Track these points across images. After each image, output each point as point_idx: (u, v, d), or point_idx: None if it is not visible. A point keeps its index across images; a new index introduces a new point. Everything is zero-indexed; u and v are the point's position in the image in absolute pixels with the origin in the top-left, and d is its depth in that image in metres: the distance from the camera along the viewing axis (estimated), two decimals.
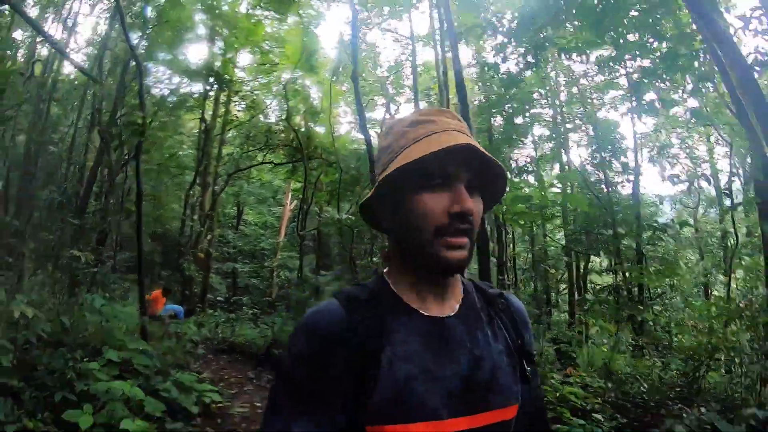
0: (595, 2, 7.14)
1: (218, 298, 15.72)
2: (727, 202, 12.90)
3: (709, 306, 6.32)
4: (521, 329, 1.05)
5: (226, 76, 14.40)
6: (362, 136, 11.22)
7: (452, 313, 0.95)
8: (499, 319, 1.03)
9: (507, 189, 1.01)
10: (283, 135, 15.58)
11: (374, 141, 9.21)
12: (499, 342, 0.99)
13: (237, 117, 16.43)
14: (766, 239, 7.00)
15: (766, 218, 6.80)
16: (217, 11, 13.28)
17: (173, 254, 14.07)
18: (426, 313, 0.93)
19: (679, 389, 5.51)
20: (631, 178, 12.25)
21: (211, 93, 15.29)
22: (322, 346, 0.85)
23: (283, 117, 15.28)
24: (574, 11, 7.45)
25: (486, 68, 9.22)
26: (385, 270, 1.01)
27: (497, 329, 1.02)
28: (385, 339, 0.88)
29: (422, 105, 15.21)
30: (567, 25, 8.04)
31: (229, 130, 16.39)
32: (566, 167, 15.61)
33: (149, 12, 11.98)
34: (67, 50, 12.13)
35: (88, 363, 4.13)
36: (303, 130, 15.63)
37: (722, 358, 5.88)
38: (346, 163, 14.73)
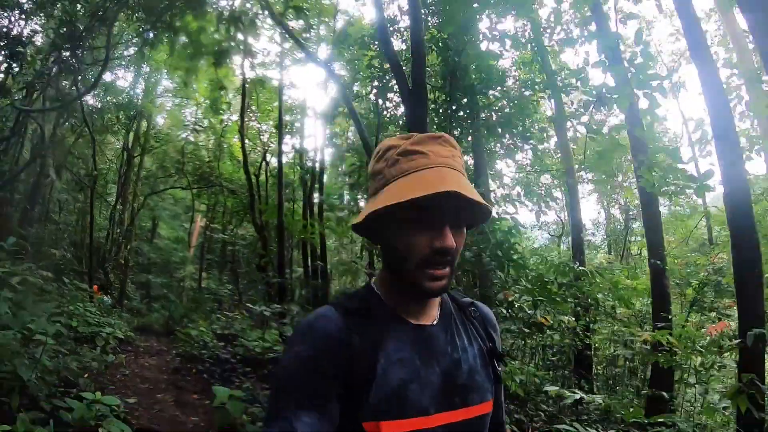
0: None
1: (134, 303, 19.23)
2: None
3: None
4: (491, 333, 1.24)
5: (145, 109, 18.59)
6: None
7: (434, 322, 1.13)
8: (472, 325, 1.22)
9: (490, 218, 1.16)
10: (191, 165, 19.90)
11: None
12: (474, 346, 1.17)
13: (154, 145, 20.41)
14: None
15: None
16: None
17: (95, 261, 17.77)
18: (413, 322, 1.09)
19: None
20: None
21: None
22: (321, 348, 0.98)
23: (191, 150, 19.74)
24: None
25: None
26: (373, 281, 1.18)
27: (471, 335, 1.20)
28: (379, 347, 1.02)
29: None
30: None
31: (147, 153, 20.38)
32: None
33: None
34: None
35: None
36: (209, 159, 20.08)
37: None
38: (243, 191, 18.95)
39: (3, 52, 9.96)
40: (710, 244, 13.55)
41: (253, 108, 19.52)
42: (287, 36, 12.61)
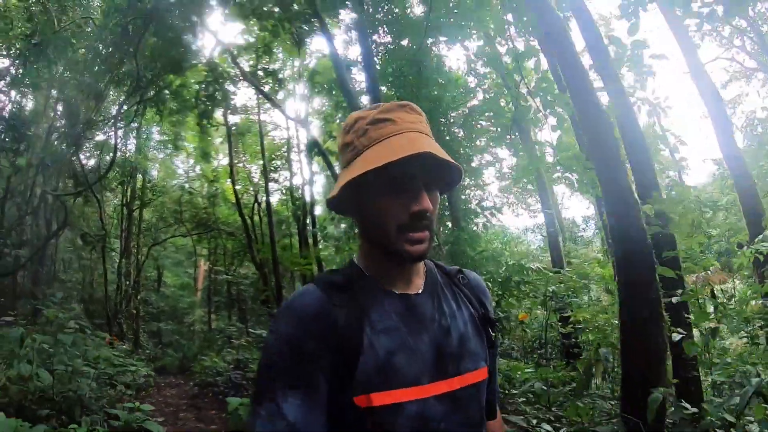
0: None
1: (147, 351, 20.45)
2: None
3: None
4: (482, 299, 1.27)
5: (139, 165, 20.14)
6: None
7: (420, 291, 1.14)
8: (461, 291, 1.24)
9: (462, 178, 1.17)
10: (188, 213, 21.39)
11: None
12: (464, 312, 1.19)
13: (151, 198, 21.68)
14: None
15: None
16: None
17: (104, 314, 19.09)
18: (398, 292, 1.11)
19: None
20: None
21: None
22: (303, 326, 1.00)
23: (187, 199, 21.27)
24: None
25: None
26: (355, 256, 1.20)
27: (461, 302, 1.22)
28: (364, 319, 1.04)
29: None
30: None
31: (146, 206, 21.84)
32: None
33: None
34: None
35: None
36: (205, 206, 21.58)
37: None
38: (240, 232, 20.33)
39: (10, 134, 11.58)
40: None
41: (241, 152, 21.11)
42: (260, 94, 14.15)
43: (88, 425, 4.87)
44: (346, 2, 9.83)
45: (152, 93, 13.33)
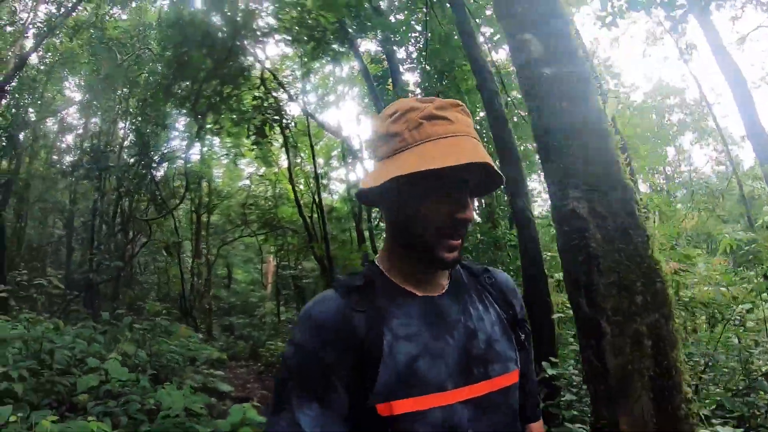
0: None
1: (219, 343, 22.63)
2: None
3: None
4: (511, 299, 1.25)
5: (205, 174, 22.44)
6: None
7: (443, 292, 1.13)
8: (487, 292, 1.22)
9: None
10: (253, 214, 23.44)
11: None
12: (491, 314, 1.17)
13: (217, 204, 23.47)
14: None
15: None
16: None
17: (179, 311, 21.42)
18: (420, 294, 1.10)
19: None
20: None
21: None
22: (322, 335, 1.00)
23: (250, 202, 23.32)
24: None
25: None
26: (377, 256, 1.19)
27: (487, 302, 1.20)
28: (384, 323, 1.03)
29: None
30: None
31: (213, 211, 24.13)
32: None
33: None
34: None
35: None
36: (269, 207, 23.61)
37: None
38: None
39: (96, 165, 14.00)
40: None
41: (300, 152, 22.94)
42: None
43: (177, 384, 6.73)
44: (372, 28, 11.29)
45: (208, 109, 15.23)
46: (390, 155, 1.07)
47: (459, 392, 1.04)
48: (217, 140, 22.39)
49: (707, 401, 3.59)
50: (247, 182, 24.77)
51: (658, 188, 25.63)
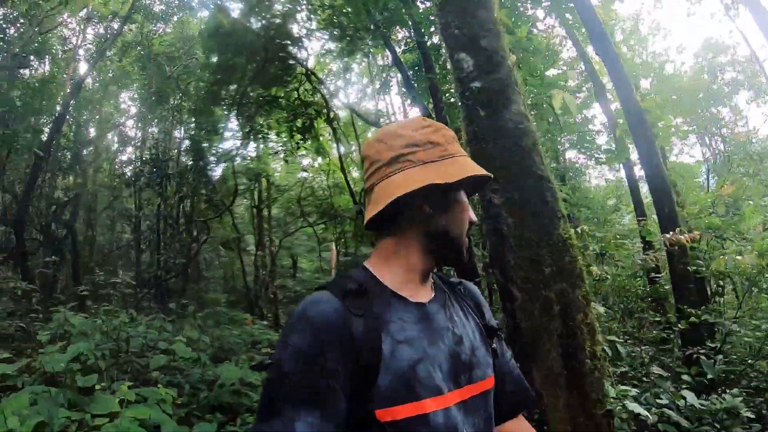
0: None
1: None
2: None
3: None
4: (483, 309, 1.33)
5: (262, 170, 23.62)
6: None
7: (431, 299, 1.19)
8: (465, 302, 1.30)
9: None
10: (311, 205, 24.62)
11: None
12: (470, 322, 1.25)
13: (276, 198, 24.64)
14: None
15: None
16: None
17: (245, 302, 22.48)
18: (413, 300, 1.14)
19: None
20: None
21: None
22: (320, 337, 0.99)
23: (307, 193, 24.51)
24: None
25: None
26: (366, 262, 1.21)
27: (466, 311, 1.27)
28: (381, 327, 1.05)
29: None
30: None
31: (272, 204, 25.38)
32: None
33: None
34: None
35: None
36: (326, 197, 24.68)
37: None
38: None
39: (157, 173, 15.34)
40: None
41: (351, 142, 23.80)
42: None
43: (234, 362, 7.72)
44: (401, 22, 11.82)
45: (256, 110, 16.15)
46: (431, 161, 1.14)
47: (452, 395, 1.08)
48: (272, 136, 23.58)
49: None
50: (305, 174, 25.71)
51: (716, 152, 24.90)
